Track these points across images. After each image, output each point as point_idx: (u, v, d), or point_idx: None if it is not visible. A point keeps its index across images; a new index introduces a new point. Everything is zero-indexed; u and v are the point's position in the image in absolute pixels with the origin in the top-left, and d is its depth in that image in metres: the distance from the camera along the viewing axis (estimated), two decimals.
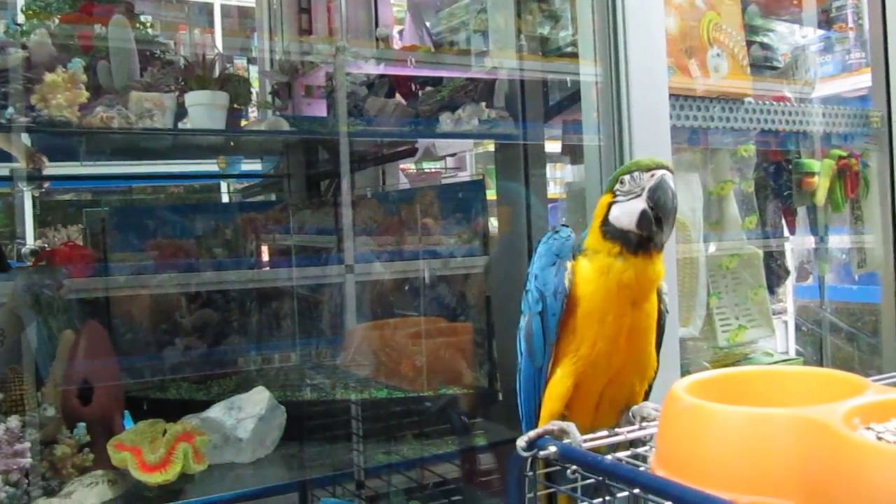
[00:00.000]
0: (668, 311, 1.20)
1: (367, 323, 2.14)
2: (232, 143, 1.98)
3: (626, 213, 1.07)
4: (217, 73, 1.83)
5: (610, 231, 1.09)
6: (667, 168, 1.08)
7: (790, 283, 3.27)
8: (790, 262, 2.57)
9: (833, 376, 1.08)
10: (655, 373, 1.20)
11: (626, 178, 1.09)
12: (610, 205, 1.10)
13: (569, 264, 1.11)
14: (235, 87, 1.82)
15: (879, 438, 0.82)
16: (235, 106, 1.86)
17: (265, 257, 2.44)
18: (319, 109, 2.46)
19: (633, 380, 1.16)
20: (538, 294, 1.13)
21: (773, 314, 3.39)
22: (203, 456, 1.61)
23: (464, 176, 3.77)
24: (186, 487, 1.64)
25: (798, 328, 2.94)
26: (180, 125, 1.80)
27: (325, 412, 1.97)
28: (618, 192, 1.09)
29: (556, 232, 1.17)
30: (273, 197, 2.89)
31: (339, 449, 1.94)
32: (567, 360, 1.12)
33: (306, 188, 2.63)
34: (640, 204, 1.06)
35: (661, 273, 1.12)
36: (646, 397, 1.20)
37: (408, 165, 3.83)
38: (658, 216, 1.06)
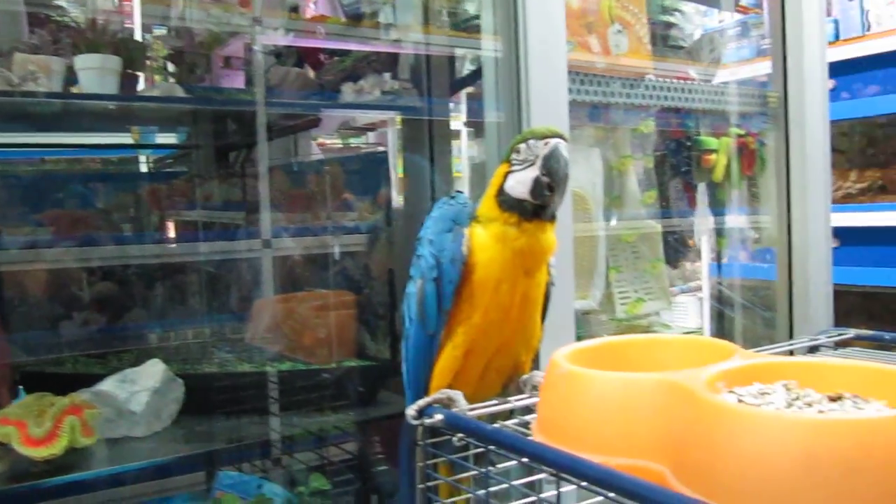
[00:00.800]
0: (554, 283, 1.22)
1: (272, 297, 2.12)
2: (118, 109, 1.91)
3: (521, 182, 1.08)
4: (109, 36, 1.77)
5: (506, 200, 1.09)
6: (561, 136, 1.09)
7: (706, 261, 3.37)
8: (704, 242, 2.65)
9: (705, 343, 1.12)
10: (539, 342, 1.21)
11: (522, 146, 1.09)
12: (506, 174, 1.10)
13: (466, 231, 1.11)
14: (130, 52, 1.76)
15: (740, 401, 0.85)
16: (130, 71, 1.80)
17: (170, 230, 2.39)
18: (238, 81, 2.41)
19: (520, 349, 1.17)
20: (434, 260, 1.12)
21: (689, 292, 3.49)
22: (92, 429, 1.57)
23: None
24: (77, 462, 1.61)
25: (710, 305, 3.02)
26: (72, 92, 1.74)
27: (228, 386, 1.95)
28: (514, 161, 1.09)
29: (453, 198, 1.17)
30: (182, 169, 2.82)
31: (241, 423, 1.93)
32: (458, 328, 1.12)
33: (215, 160, 2.58)
34: (534, 172, 1.07)
35: (554, 243, 1.13)
36: (533, 367, 1.21)
37: (328, 140, 3.79)
38: (551, 184, 1.07)
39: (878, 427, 0.70)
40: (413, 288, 1.16)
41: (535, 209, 1.08)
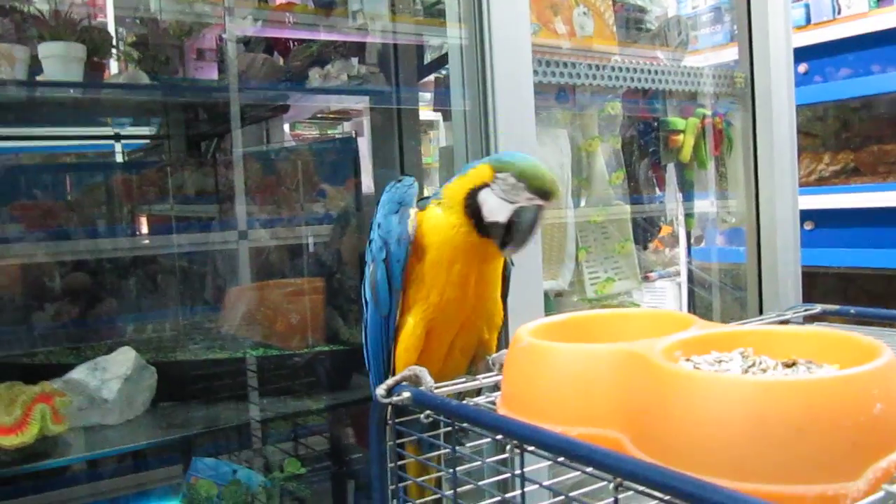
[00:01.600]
0: (513, 264, 1.23)
1: (244, 285, 2.13)
2: (84, 98, 1.90)
3: (491, 209, 1.06)
4: (73, 25, 1.76)
5: (471, 206, 1.08)
6: (549, 197, 1.06)
7: (683, 245, 3.40)
8: (681, 227, 2.67)
9: (667, 316, 1.13)
10: (503, 321, 1.22)
11: (512, 179, 1.06)
12: (483, 186, 1.08)
13: (412, 212, 1.11)
14: (94, 41, 1.76)
15: (696, 368, 0.86)
16: (96, 60, 1.79)
17: (143, 221, 2.38)
18: (212, 73, 2.40)
19: (482, 326, 1.19)
20: (382, 242, 1.13)
21: (668, 277, 3.52)
22: (63, 417, 1.58)
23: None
24: (49, 449, 1.61)
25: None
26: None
27: (202, 374, 1.95)
28: (497, 179, 1.07)
29: (399, 181, 1.17)
30: (154, 159, 2.81)
31: (216, 409, 1.93)
32: (417, 308, 1.13)
33: (187, 150, 2.57)
34: (505, 213, 1.06)
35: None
36: (498, 346, 1.22)
37: (301, 131, 3.78)
38: (513, 233, 1.06)
39: (824, 387, 0.72)
40: (367, 271, 1.17)
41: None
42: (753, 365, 0.87)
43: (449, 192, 1.12)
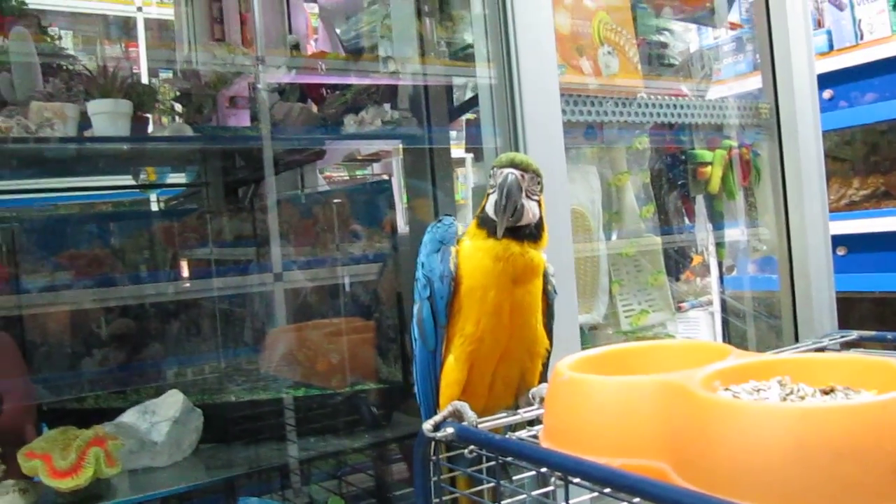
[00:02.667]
0: (555, 292, 1.27)
1: (284, 327, 2.17)
2: (131, 150, 1.98)
3: (490, 204, 1.16)
4: (120, 82, 1.84)
5: (483, 218, 1.17)
6: (517, 167, 1.16)
7: (715, 275, 3.39)
8: (712, 257, 2.67)
9: (703, 346, 1.15)
10: (549, 352, 1.25)
11: (491, 172, 1.18)
12: (487, 195, 1.18)
13: (453, 249, 1.17)
14: (140, 96, 1.84)
15: (735, 397, 0.88)
16: (141, 114, 1.87)
17: (183, 266, 2.45)
18: (244, 120, 2.48)
19: (523, 357, 1.21)
20: (426, 280, 1.18)
21: (700, 307, 3.51)
22: (116, 460, 1.62)
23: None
24: (101, 492, 1.65)
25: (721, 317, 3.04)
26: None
27: (245, 415, 1.99)
28: (490, 185, 1.18)
29: (440, 221, 1.23)
30: (193, 206, 2.88)
31: (259, 449, 1.97)
32: (456, 341, 1.17)
33: (224, 196, 2.64)
34: (493, 198, 1.15)
35: (537, 258, 1.19)
36: (542, 378, 1.25)
37: (333, 173, 3.85)
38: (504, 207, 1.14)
39: (863, 412, 0.74)
40: (414, 310, 1.22)
41: (508, 228, 1.15)
42: (791, 393, 0.88)
43: (470, 226, 1.20)
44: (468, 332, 1.16)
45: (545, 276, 1.22)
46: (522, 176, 1.16)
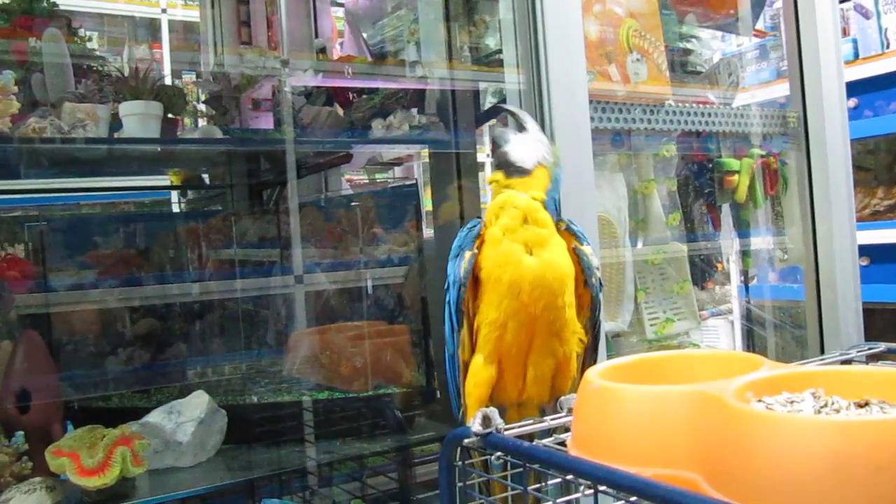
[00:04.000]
0: (601, 286, 1.23)
1: (307, 329, 2.18)
2: (162, 152, 2.00)
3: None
4: (150, 84, 1.86)
5: (501, 166, 1.21)
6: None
7: (735, 283, 3.37)
8: (733, 264, 2.66)
9: (734, 357, 1.15)
10: (584, 342, 1.22)
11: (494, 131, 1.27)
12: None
13: (468, 254, 1.17)
14: (170, 98, 1.85)
15: (769, 409, 0.88)
16: (171, 116, 1.89)
17: (208, 267, 2.46)
18: (267, 122, 2.49)
19: (553, 343, 1.17)
20: (447, 286, 1.19)
21: (720, 315, 3.49)
22: (142, 459, 1.63)
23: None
24: (127, 491, 1.66)
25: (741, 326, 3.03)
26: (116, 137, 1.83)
27: (268, 416, 2.00)
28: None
29: (467, 225, 1.22)
30: (218, 207, 2.91)
31: (282, 451, 1.97)
32: (482, 335, 1.15)
33: (248, 198, 2.66)
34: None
35: (546, 217, 1.18)
36: (581, 373, 1.20)
37: (355, 176, 3.86)
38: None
39: None
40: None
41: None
42: (826, 405, 0.87)
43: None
44: (491, 318, 1.14)
45: (586, 267, 1.20)
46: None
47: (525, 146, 1.22)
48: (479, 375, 1.16)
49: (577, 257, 1.20)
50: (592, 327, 1.24)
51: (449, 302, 1.17)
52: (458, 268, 1.16)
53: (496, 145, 1.22)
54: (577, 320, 1.21)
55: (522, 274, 1.13)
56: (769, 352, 2.64)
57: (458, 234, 1.22)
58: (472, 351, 1.19)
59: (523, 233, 1.15)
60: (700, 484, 0.85)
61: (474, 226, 1.20)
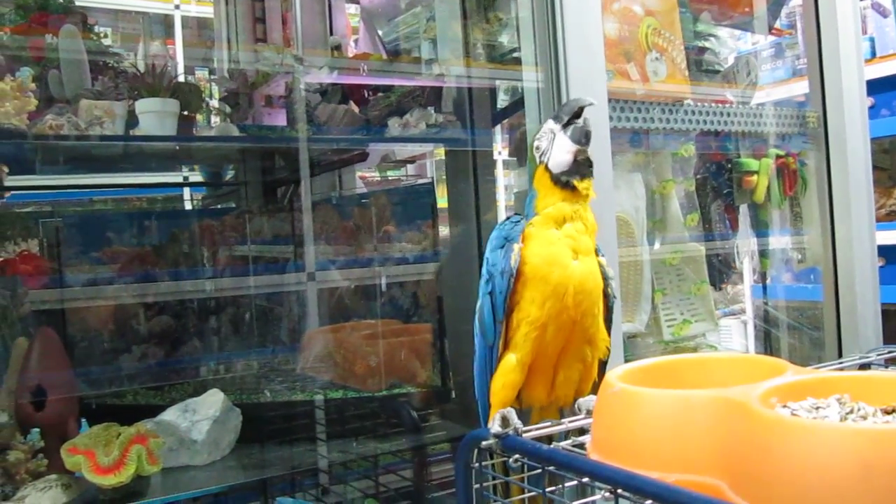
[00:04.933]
0: (615, 297, 1.25)
1: (322, 327, 2.17)
2: (178, 149, 2.00)
3: (557, 152, 1.17)
4: (167, 81, 1.86)
5: (551, 176, 1.17)
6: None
7: (748, 283, 3.35)
8: (747, 264, 2.64)
9: (757, 361, 1.14)
10: (609, 350, 1.23)
11: (538, 136, 1.20)
12: (545, 167, 1.18)
13: (516, 247, 1.16)
14: (186, 95, 1.85)
15: (794, 414, 0.87)
16: (186, 114, 1.88)
17: (222, 264, 2.46)
18: (279, 119, 2.49)
19: (584, 349, 1.19)
20: (488, 275, 1.18)
21: (732, 315, 3.47)
22: (157, 458, 1.63)
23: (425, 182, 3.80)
24: (142, 489, 1.66)
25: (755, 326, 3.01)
26: (132, 134, 1.83)
27: (282, 415, 2.00)
28: (539, 153, 1.19)
29: (508, 219, 1.23)
30: (232, 205, 2.91)
31: (296, 450, 1.97)
32: (520, 333, 1.15)
33: (263, 195, 2.66)
34: (561, 137, 1.17)
35: (592, 218, 1.19)
36: (600, 377, 1.22)
37: (367, 173, 3.86)
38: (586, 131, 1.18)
39: None
40: (477, 305, 1.21)
41: (573, 170, 1.17)
42: (852, 412, 0.86)
43: (535, 203, 1.19)
44: (533, 316, 1.14)
45: (605, 277, 1.21)
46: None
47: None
48: (508, 376, 1.16)
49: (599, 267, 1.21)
50: (608, 335, 1.24)
51: (493, 293, 1.17)
52: (507, 259, 1.16)
53: (579, 142, 1.18)
54: (605, 328, 1.22)
55: (570, 276, 1.14)
56: (784, 353, 2.62)
57: (498, 225, 1.22)
58: (505, 348, 1.18)
59: (577, 238, 1.16)
60: (724, 491, 0.84)
61: (518, 221, 1.20)
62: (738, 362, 1.13)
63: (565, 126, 1.18)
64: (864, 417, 0.85)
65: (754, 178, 2.25)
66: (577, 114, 1.18)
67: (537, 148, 1.20)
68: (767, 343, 2.79)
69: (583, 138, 1.17)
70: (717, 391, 0.92)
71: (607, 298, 1.22)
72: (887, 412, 0.86)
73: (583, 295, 1.15)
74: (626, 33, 1.88)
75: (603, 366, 1.24)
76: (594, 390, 1.21)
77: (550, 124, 1.20)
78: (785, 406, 0.89)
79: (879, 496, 0.70)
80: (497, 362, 1.18)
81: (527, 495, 1.17)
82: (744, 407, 0.85)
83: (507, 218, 1.24)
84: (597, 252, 1.21)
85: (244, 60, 2.46)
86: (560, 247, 1.15)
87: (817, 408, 0.88)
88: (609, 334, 1.24)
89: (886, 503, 0.70)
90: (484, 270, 1.20)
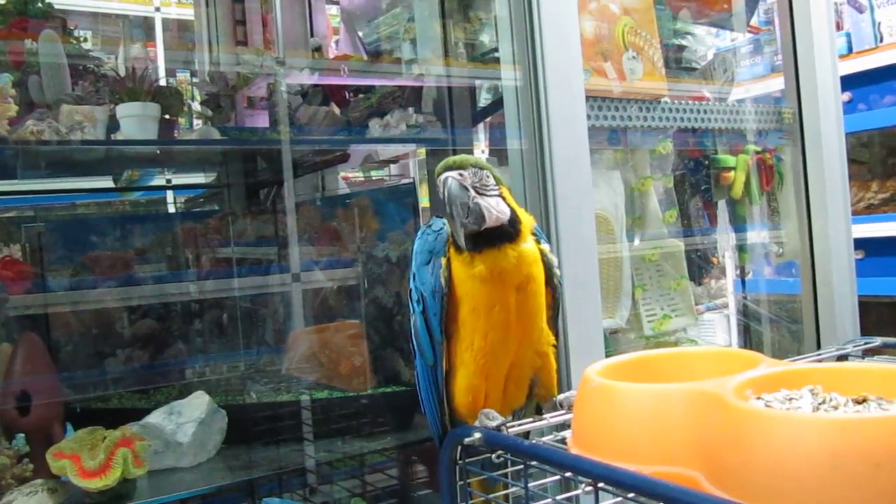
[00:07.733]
0: (561, 284, 1.21)
1: (307, 328, 2.18)
2: (159, 153, 2.00)
3: (456, 238, 1.08)
4: (148, 85, 1.86)
5: (454, 240, 1.10)
6: (451, 168, 1.08)
7: (730, 277, 3.38)
8: (728, 259, 2.67)
9: (733, 354, 1.16)
10: (557, 341, 1.21)
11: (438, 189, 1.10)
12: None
13: (443, 260, 1.10)
14: (167, 99, 1.85)
15: (767, 406, 0.89)
16: (168, 117, 1.89)
17: (206, 267, 2.46)
18: (262, 121, 2.49)
19: (532, 358, 1.17)
20: (418, 294, 1.12)
21: (715, 309, 3.50)
22: (143, 461, 1.63)
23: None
24: (128, 492, 1.66)
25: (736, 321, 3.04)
26: (114, 138, 1.83)
27: (268, 416, 2.01)
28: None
29: (429, 226, 1.16)
30: (215, 207, 2.91)
31: (282, 450, 1.98)
32: (466, 356, 1.12)
33: (246, 197, 2.66)
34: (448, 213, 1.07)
35: (529, 254, 1.11)
36: (558, 372, 1.22)
37: (350, 174, 3.86)
38: (452, 213, 1.06)
39: None
40: (410, 321, 1.17)
41: (476, 241, 1.07)
42: (824, 402, 0.88)
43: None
44: (477, 346, 1.11)
45: (548, 267, 1.16)
46: (461, 174, 1.07)
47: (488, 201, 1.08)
48: (467, 381, 1.14)
49: (541, 256, 1.15)
50: (554, 326, 1.21)
51: (426, 312, 1.10)
52: (436, 276, 1.09)
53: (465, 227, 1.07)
54: (548, 327, 1.19)
55: (511, 311, 1.10)
56: (765, 346, 2.65)
57: (419, 234, 1.15)
58: (450, 365, 1.15)
59: (509, 280, 1.09)
60: (700, 481, 0.86)
61: (440, 229, 1.13)
62: (715, 356, 1.15)
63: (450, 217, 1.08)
64: (836, 407, 0.87)
65: (732, 173, 2.27)
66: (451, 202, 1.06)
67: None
68: (748, 337, 2.81)
69: (467, 220, 1.06)
70: (693, 384, 0.94)
71: (553, 289, 1.18)
72: (858, 402, 0.88)
73: (526, 317, 1.12)
74: (604, 32, 1.90)
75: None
76: (559, 384, 1.22)
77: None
78: (759, 398, 0.91)
79: (849, 483, 0.72)
80: (447, 377, 1.15)
81: (511, 491, 1.18)
82: (719, 399, 0.87)
83: (428, 225, 1.16)
84: (538, 239, 1.15)
85: (225, 63, 2.46)
86: (494, 287, 1.09)
87: (790, 399, 0.90)
88: (556, 325, 1.22)
89: (855, 490, 0.72)
90: (412, 286, 1.14)
